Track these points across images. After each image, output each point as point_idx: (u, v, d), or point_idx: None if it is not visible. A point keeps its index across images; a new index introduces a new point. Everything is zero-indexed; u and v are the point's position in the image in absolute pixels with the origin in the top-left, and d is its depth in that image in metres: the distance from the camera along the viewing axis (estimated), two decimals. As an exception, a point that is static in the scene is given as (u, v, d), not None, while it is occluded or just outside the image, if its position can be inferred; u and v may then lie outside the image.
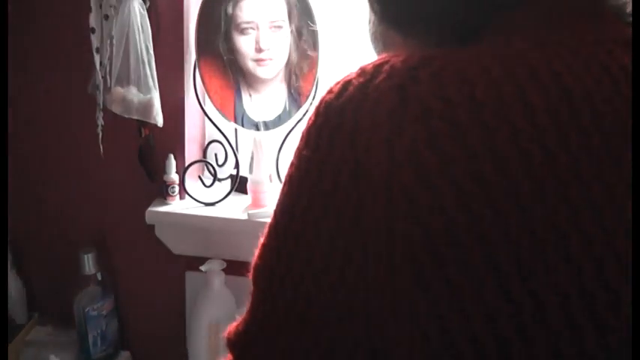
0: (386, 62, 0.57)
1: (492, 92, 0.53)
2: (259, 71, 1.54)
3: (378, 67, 0.57)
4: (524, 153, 0.52)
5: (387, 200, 0.52)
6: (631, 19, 0.64)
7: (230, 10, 1.51)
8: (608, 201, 0.53)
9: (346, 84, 0.57)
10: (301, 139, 0.59)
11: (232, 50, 1.54)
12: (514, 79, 0.54)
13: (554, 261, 0.51)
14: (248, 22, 1.51)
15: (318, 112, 0.58)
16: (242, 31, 1.52)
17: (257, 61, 1.53)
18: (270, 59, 1.53)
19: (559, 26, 0.61)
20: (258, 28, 1.51)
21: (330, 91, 0.58)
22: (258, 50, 1.52)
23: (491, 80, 0.54)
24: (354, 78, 0.57)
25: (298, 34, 1.52)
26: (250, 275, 0.62)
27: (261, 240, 0.62)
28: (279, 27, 1.51)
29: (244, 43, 1.52)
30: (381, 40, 0.73)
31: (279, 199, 0.61)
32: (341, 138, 0.55)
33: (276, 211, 0.61)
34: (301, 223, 0.57)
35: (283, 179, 0.61)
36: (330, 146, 0.56)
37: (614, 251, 0.52)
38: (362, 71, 0.57)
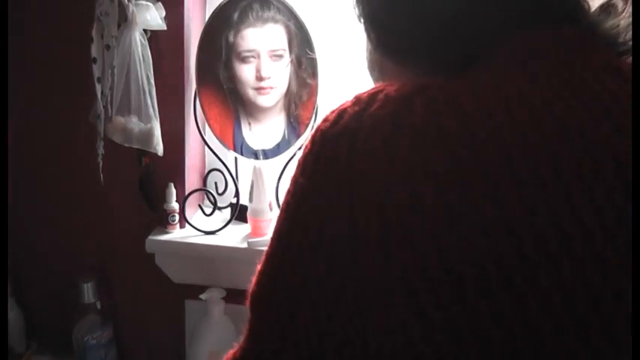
0: (380, 91, 0.58)
1: (485, 121, 0.54)
2: (260, 100, 1.55)
3: (372, 96, 0.58)
4: (518, 180, 0.53)
5: (382, 226, 0.53)
6: (622, 48, 0.65)
7: (231, 38, 1.52)
8: (598, 226, 0.53)
9: (342, 112, 0.58)
10: (297, 167, 0.60)
11: (233, 78, 1.55)
12: (506, 108, 0.55)
13: (548, 288, 0.52)
14: (249, 51, 1.52)
15: (314, 141, 0.59)
16: (243, 60, 1.53)
17: (258, 89, 1.54)
18: (271, 88, 1.54)
19: (549, 55, 0.62)
20: (259, 56, 1.52)
21: (325, 120, 0.59)
22: (259, 79, 1.53)
23: (484, 109, 0.55)
24: (350, 107, 0.58)
25: (298, 63, 1.53)
26: (247, 302, 0.62)
27: (259, 267, 0.62)
28: (280, 56, 1.53)
29: (245, 72, 1.54)
30: (377, 68, 0.74)
31: (276, 226, 0.61)
32: (336, 165, 0.56)
33: (273, 238, 0.61)
34: (297, 249, 0.58)
35: (280, 206, 0.61)
36: (326, 174, 0.56)
37: (610, 284, 0.53)
38: (357, 100, 0.58)
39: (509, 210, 0.52)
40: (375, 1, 0.69)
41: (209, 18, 1.52)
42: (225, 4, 1.50)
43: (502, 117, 0.55)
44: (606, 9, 0.68)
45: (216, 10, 1.51)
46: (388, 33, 0.69)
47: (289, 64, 1.53)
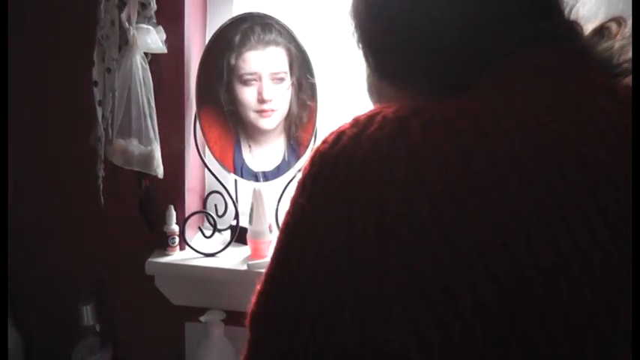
0: (378, 113, 0.58)
1: (481, 142, 0.55)
2: (261, 122, 1.56)
3: (370, 118, 0.58)
4: (513, 200, 0.53)
5: (380, 244, 0.54)
6: (617, 70, 0.66)
7: (233, 61, 1.53)
8: (593, 246, 0.54)
9: (340, 134, 0.59)
10: (297, 188, 0.60)
11: (234, 101, 1.56)
12: (502, 130, 0.56)
13: (544, 306, 0.52)
14: (251, 74, 1.53)
15: (312, 162, 0.59)
16: (245, 82, 1.54)
17: (259, 112, 1.55)
18: (273, 110, 1.55)
19: (545, 77, 0.63)
20: (260, 79, 1.53)
21: (324, 141, 0.59)
22: (261, 101, 1.54)
23: (479, 130, 0.55)
24: (348, 128, 0.59)
25: (299, 85, 1.54)
26: (247, 322, 0.63)
27: (258, 287, 0.63)
28: (281, 79, 1.54)
29: (247, 94, 1.54)
30: (375, 91, 0.75)
31: (276, 247, 0.62)
32: (335, 186, 0.56)
33: (272, 258, 0.62)
34: (297, 268, 0.58)
35: (280, 227, 0.62)
36: (325, 195, 0.57)
37: (604, 295, 0.54)
38: (355, 122, 0.59)
39: (505, 229, 0.53)
40: (372, 27, 0.71)
41: (209, 41, 1.53)
42: (226, 26, 1.52)
43: (498, 138, 0.55)
44: (600, 32, 0.69)
45: (216, 32, 1.52)
46: (386, 58, 0.70)
47: (290, 87, 1.54)
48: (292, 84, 1.54)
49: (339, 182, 0.56)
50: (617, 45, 0.68)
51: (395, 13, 0.67)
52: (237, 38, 1.52)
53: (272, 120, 1.56)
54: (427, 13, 0.65)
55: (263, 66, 1.53)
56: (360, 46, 0.73)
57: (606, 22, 0.70)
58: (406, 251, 0.53)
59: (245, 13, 1.53)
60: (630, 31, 0.70)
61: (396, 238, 0.53)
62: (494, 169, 0.54)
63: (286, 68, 1.53)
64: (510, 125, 0.56)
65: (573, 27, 0.68)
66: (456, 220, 0.53)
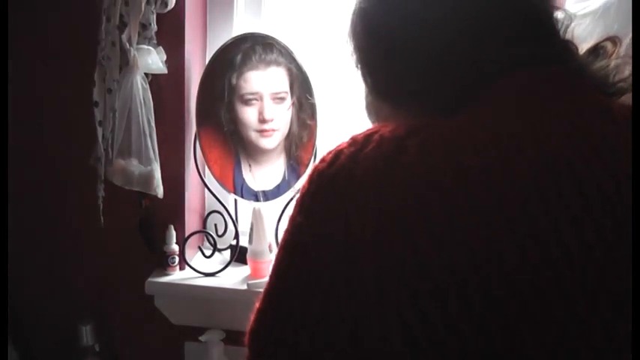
0: (376, 132, 0.59)
1: (477, 160, 0.55)
2: (262, 142, 1.57)
3: (368, 137, 0.59)
4: (507, 217, 0.54)
5: (377, 263, 0.54)
6: (612, 89, 0.67)
7: (234, 80, 1.54)
8: (588, 260, 0.54)
9: (338, 153, 0.59)
10: (295, 207, 0.61)
11: (235, 120, 1.56)
12: (498, 148, 0.56)
13: (537, 314, 0.53)
14: (252, 94, 1.54)
15: (311, 180, 0.60)
16: (246, 102, 1.55)
17: (260, 131, 1.56)
18: (274, 130, 1.55)
19: (540, 97, 0.63)
20: (261, 99, 1.54)
21: (322, 160, 0.60)
22: (262, 121, 1.55)
23: (476, 149, 0.56)
24: (346, 147, 0.59)
25: (299, 105, 1.55)
26: (246, 340, 0.63)
27: (257, 304, 0.63)
28: (282, 98, 1.55)
29: (248, 114, 1.55)
30: (373, 111, 0.76)
31: (275, 265, 0.62)
32: (333, 205, 0.57)
33: (271, 276, 0.62)
34: (295, 286, 0.59)
35: (279, 245, 0.62)
36: (323, 213, 0.58)
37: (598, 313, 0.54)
38: (353, 141, 0.60)
39: (499, 244, 0.53)
40: (370, 48, 0.72)
41: (209, 61, 1.54)
42: (226, 46, 1.53)
43: (492, 155, 0.56)
44: (595, 51, 0.70)
45: (217, 52, 1.53)
46: (383, 78, 0.71)
47: (291, 107, 1.55)
48: (293, 104, 1.55)
49: (336, 200, 0.57)
50: (612, 64, 0.69)
51: (392, 35, 0.68)
52: (239, 58, 1.53)
53: (273, 140, 1.56)
54: (424, 34, 0.66)
55: (264, 86, 1.53)
56: (359, 66, 0.74)
57: (601, 42, 0.71)
58: (402, 271, 0.53)
59: (246, 33, 1.54)
60: (625, 50, 0.71)
61: (394, 256, 0.54)
62: (488, 186, 0.55)
63: (287, 88, 1.54)
64: (505, 142, 0.57)
65: (568, 47, 0.69)
66: (450, 237, 0.53)
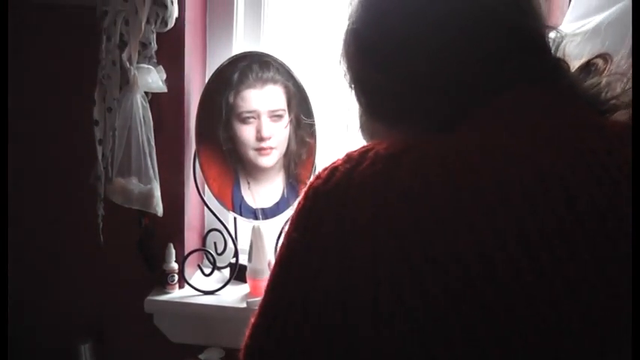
0: (370, 149, 0.60)
1: (470, 177, 0.56)
2: (260, 160, 1.57)
3: (363, 154, 0.59)
4: (499, 234, 0.54)
5: (373, 279, 0.54)
6: (604, 106, 0.67)
7: (231, 99, 1.55)
8: (581, 279, 0.55)
9: (333, 170, 0.60)
10: (291, 223, 0.61)
11: (233, 139, 1.57)
12: (491, 165, 0.57)
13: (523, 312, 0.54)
14: (250, 112, 1.55)
15: (306, 197, 0.60)
16: (243, 120, 1.55)
17: (258, 150, 1.56)
18: (271, 148, 1.56)
19: (533, 116, 0.64)
20: (259, 117, 1.55)
21: (318, 177, 0.60)
22: (260, 139, 1.55)
23: (469, 166, 0.57)
24: (341, 164, 0.60)
25: (297, 122, 1.55)
26: (240, 355, 0.63)
27: (252, 320, 0.63)
28: (280, 116, 1.55)
29: (246, 132, 1.56)
30: (367, 130, 0.77)
31: (270, 280, 0.62)
32: (328, 221, 0.57)
33: (266, 291, 0.62)
34: (290, 302, 0.59)
35: (274, 261, 0.62)
36: (318, 229, 0.58)
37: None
38: (348, 158, 0.60)
39: (494, 264, 0.53)
40: (364, 70, 0.72)
41: (208, 80, 1.55)
42: (225, 65, 1.54)
43: (486, 174, 0.56)
44: (585, 68, 0.71)
45: (215, 72, 1.54)
46: (377, 98, 0.71)
47: (289, 124, 1.55)
48: (290, 121, 1.55)
49: (332, 217, 0.57)
50: (604, 81, 0.69)
51: (385, 55, 0.68)
52: (236, 76, 1.54)
53: (271, 158, 1.57)
54: (416, 55, 0.66)
55: (261, 104, 1.54)
56: (352, 86, 0.75)
57: (592, 59, 0.72)
58: (401, 286, 0.54)
59: (245, 52, 1.55)
60: (616, 67, 0.71)
61: (391, 274, 0.54)
62: (483, 205, 0.55)
63: (284, 106, 1.55)
64: (499, 162, 0.57)
65: (559, 64, 0.70)
66: (444, 255, 0.54)
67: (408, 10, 0.67)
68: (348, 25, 0.73)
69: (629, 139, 0.62)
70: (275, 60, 1.53)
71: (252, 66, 1.53)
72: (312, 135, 1.54)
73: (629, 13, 1.06)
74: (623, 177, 0.59)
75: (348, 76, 0.75)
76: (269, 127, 1.55)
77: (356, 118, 0.78)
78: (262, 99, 1.54)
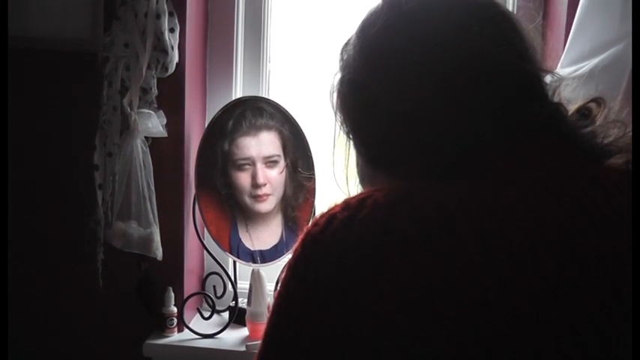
0: (369, 197, 0.59)
1: (472, 226, 0.56)
2: (257, 206, 1.58)
3: (361, 202, 0.59)
4: (502, 283, 0.54)
5: (373, 329, 0.54)
6: (601, 152, 0.68)
7: (226, 147, 1.56)
8: (583, 322, 0.55)
9: (331, 217, 0.59)
10: (287, 271, 0.60)
11: (230, 185, 1.58)
12: (492, 214, 0.57)
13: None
14: (244, 159, 1.56)
15: (304, 245, 0.60)
16: (239, 167, 1.56)
17: (254, 197, 1.57)
18: (267, 195, 1.57)
19: (532, 164, 0.64)
20: (254, 164, 1.56)
21: (315, 224, 0.60)
22: (255, 186, 1.56)
23: (470, 215, 0.56)
24: (339, 212, 0.59)
25: (293, 167, 1.56)
26: None
27: None
28: (275, 162, 1.56)
29: (241, 179, 1.57)
30: (367, 178, 0.76)
31: (267, 329, 0.62)
32: (326, 272, 0.57)
33: (264, 340, 0.62)
34: (288, 352, 0.58)
35: (271, 309, 0.62)
36: (317, 279, 0.57)
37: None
38: (346, 205, 0.60)
39: (497, 313, 0.53)
40: (363, 120, 0.72)
41: (208, 125, 1.57)
42: (221, 113, 1.55)
43: (487, 223, 0.56)
44: (578, 112, 0.71)
45: (213, 119, 1.56)
46: (377, 148, 0.71)
47: (284, 169, 1.56)
48: (286, 166, 1.56)
49: (330, 267, 0.57)
50: (598, 128, 0.70)
51: (385, 105, 0.68)
52: (230, 124, 1.55)
53: (267, 204, 1.58)
54: (416, 106, 0.66)
55: (256, 151, 1.55)
56: (351, 136, 0.75)
57: (587, 104, 0.72)
58: (399, 337, 0.53)
59: (238, 99, 1.57)
60: (610, 112, 0.72)
61: (392, 327, 0.54)
62: (485, 255, 0.55)
63: (279, 151, 1.56)
64: (499, 210, 0.57)
65: (558, 110, 0.70)
66: (445, 304, 0.53)
67: (407, 60, 0.67)
68: (344, 76, 0.73)
69: (627, 186, 0.63)
70: (269, 104, 1.55)
71: (246, 113, 1.55)
72: (311, 178, 1.54)
73: (622, 57, 1.08)
74: (623, 225, 0.60)
75: (345, 126, 0.75)
76: (264, 174, 1.56)
77: (354, 165, 0.78)
78: (256, 146, 1.55)
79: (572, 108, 0.72)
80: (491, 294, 0.54)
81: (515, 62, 0.68)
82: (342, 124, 0.75)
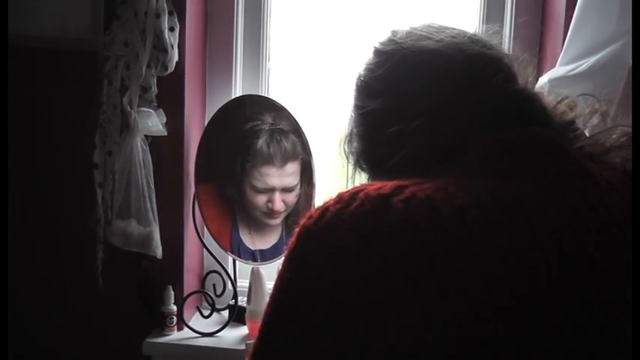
0: (361, 190, 0.61)
1: (458, 218, 0.57)
2: (267, 221, 1.60)
3: (354, 195, 0.60)
4: (487, 277, 0.55)
5: (362, 321, 0.55)
6: (595, 150, 0.69)
7: (248, 167, 1.56)
8: (588, 324, 0.55)
9: (324, 210, 0.60)
10: (283, 263, 0.62)
11: (242, 199, 1.59)
12: (479, 208, 0.57)
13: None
14: (265, 188, 1.56)
15: (298, 237, 0.61)
16: (256, 190, 1.57)
17: (267, 214, 1.59)
18: (280, 212, 1.59)
19: (521, 157, 0.65)
20: (273, 191, 1.56)
21: (309, 217, 0.61)
22: (271, 210, 1.57)
23: (456, 207, 0.57)
24: (332, 205, 0.60)
25: (307, 186, 1.58)
26: None
27: (247, 359, 0.63)
28: (292, 188, 1.58)
29: (257, 199, 1.58)
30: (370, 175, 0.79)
31: (263, 320, 0.63)
32: (318, 261, 0.58)
33: (260, 330, 0.63)
34: (283, 341, 0.59)
35: (267, 300, 0.63)
36: (310, 269, 0.58)
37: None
38: (339, 198, 0.61)
39: (481, 307, 0.54)
40: (367, 147, 0.77)
41: (208, 123, 1.58)
42: (219, 113, 1.56)
43: (474, 215, 0.57)
44: (567, 103, 0.73)
45: (215, 114, 1.56)
46: (381, 171, 0.74)
47: (299, 193, 1.57)
48: (302, 192, 1.57)
49: (322, 256, 0.58)
50: (593, 123, 0.71)
51: (384, 133, 0.71)
52: (258, 145, 1.54)
53: (278, 220, 1.60)
54: (413, 116, 0.69)
55: (277, 182, 1.56)
56: (351, 161, 0.80)
57: (578, 98, 0.74)
58: (384, 331, 0.54)
59: (244, 95, 1.58)
60: (609, 111, 0.73)
61: (377, 315, 0.54)
62: (469, 247, 0.55)
63: (298, 179, 1.57)
64: (486, 202, 0.58)
65: (552, 107, 0.71)
66: (430, 296, 0.54)
67: (415, 98, 0.71)
68: (361, 108, 0.77)
69: (619, 184, 0.63)
70: (290, 118, 1.54)
71: (274, 135, 1.54)
72: (310, 183, 1.55)
73: (620, 55, 1.08)
74: (611, 220, 0.60)
75: (352, 158, 0.80)
76: (281, 201, 1.57)
77: (354, 164, 0.80)
78: (279, 177, 1.56)
79: (565, 104, 0.74)
80: (475, 287, 0.55)
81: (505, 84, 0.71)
82: (348, 157, 0.80)
